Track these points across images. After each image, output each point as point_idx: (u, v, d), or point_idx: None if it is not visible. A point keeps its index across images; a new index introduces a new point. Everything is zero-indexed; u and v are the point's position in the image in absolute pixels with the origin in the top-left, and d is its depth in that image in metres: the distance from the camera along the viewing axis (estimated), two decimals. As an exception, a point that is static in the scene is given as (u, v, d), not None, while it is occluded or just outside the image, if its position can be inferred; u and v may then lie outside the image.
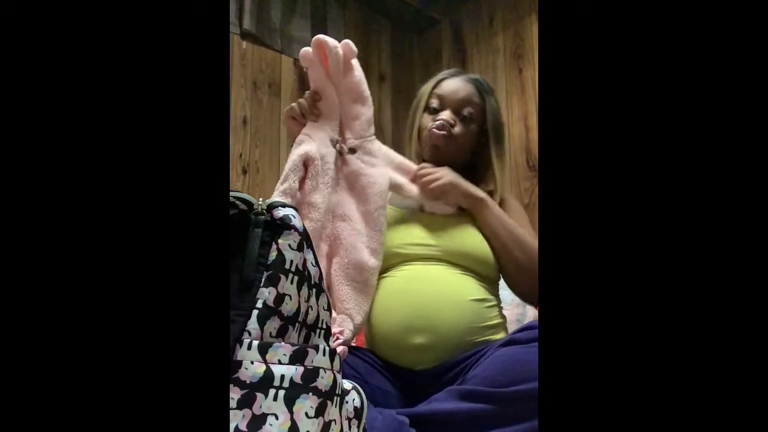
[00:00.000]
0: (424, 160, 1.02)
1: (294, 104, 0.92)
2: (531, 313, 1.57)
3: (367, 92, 0.93)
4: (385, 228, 0.89)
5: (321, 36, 0.87)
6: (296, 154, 0.85)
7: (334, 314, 0.81)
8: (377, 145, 0.95)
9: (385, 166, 0.94)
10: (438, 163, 0.99)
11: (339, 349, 0.67)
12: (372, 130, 0.95)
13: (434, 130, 0.98)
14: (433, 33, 2.36)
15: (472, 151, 1.04)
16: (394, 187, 0.95)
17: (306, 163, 0.85)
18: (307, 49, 0.88)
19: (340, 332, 0.78)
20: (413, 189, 0.95)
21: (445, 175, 0.94)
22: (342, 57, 0.87)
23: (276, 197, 0.81)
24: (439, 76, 1.06)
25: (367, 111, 0.93)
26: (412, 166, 0.98)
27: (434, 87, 1.04)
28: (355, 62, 0.91)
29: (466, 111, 1.00)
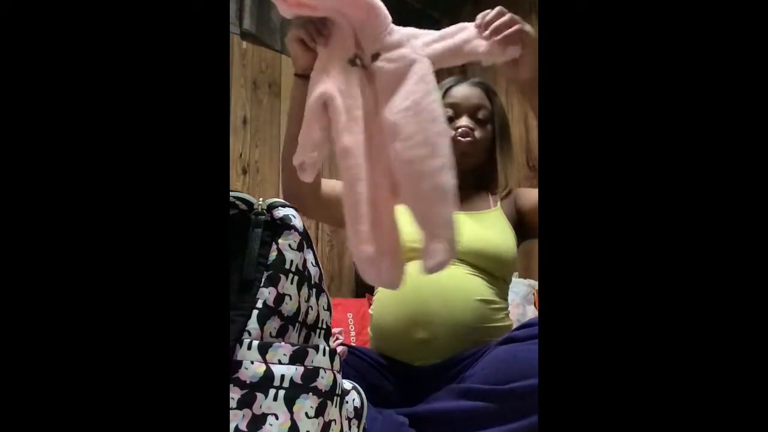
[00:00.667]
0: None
1: (299, 30, 0.78)
2: (531, 314, 1.57)
3: None
4: (440, 112, 0.70)
5: None
6: (312, 99, 0.70)
7: (427, 245, 0.66)
8: (398, 34, 0.75)
9: (420, 45, 0.74)
10: (465, 170, 0.98)
11: (339, 349, 0.67)
12: (387, 20, 0.75)
13: (460, 138, 0.99)
14: (433, 33, 2.36)
15: (486, 153, 1.06)
16: (444, 58, 0.74)
17: (326, 104, 0.70)
18: (279, 4, 0.73)
19: (340, 332, 0.78)
20: (475, 46, 0.74)
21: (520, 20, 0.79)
22: None
23: (299, 155, 0.69)
24: (445, 84, 1.07)
25: (366, 3, 0.73)
26: (454, 28, 0.78)
27: (444, 96, 1.05)
28: None
29: (481, 114, 1.03)
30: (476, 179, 1.05)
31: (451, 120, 1.02)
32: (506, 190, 1.04)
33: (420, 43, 0.74)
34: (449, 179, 0.67)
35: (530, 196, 1.02)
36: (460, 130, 1.00)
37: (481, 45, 0.74)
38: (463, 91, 1.04)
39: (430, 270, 0.64)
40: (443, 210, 0.67)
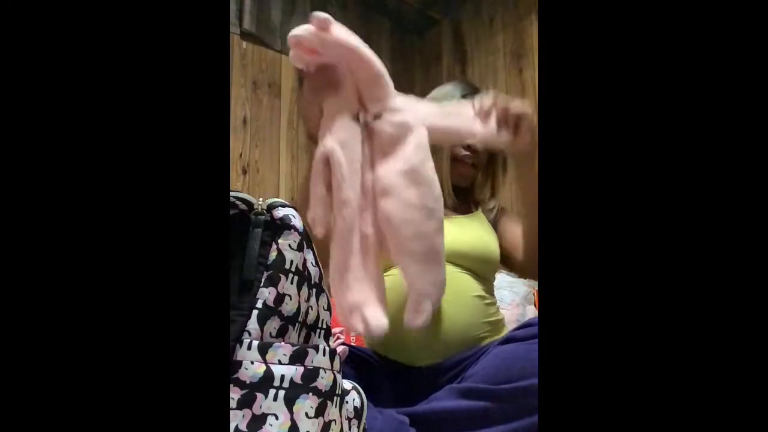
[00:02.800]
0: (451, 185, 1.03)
1: (310, 85, 0.79)
2: (531, 314, 1.57)
3: (363, 49, 0.75)
4: (435, 179, 0.74)
5: (290, 36, 0.74)
6: (316, 158, 0.74)
7: (411, 302, 0.70)
8: (400, 100, 0.79)
9: (420, 115, 0.78)
10: (467, 183, 1.03)
11: (339, 349, 0.67)
12: (390, 86, 0.78)
13: (464, 161, 1.00)
14: (433, 33, 2.36)
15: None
16: (441, 135, 0.78)
17: (327, 160, 0.73)
18: (293, 53, 0.77)
19: (340, 332, 0.78)
20: (472, 129, 0.77)
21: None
22: (318, 33, 0.72)
23: (309, 213, 0.71)
24: (458, 91, 1.05)
25: (373, 67, 0.75)
26: (462, 107, 0.80)
27: None
28: (336, 28, 0.74)
29: None
30: (462, 189, 1.06)
31: None
32: (495, 210, 1.05)
33: (421, 114, 0.77)
34: (441, 241, 0.71)
35: (511, 234, 1.01)
36: (465, 153, 1.00)
37: (478, 129, 0.77)
38: None
39: (416, 326, 0.69)
40: (434, 271, 0.71)
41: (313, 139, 0.78)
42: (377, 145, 0.76)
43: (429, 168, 0.74)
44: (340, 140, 0.73)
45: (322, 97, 0.77)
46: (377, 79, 0.77)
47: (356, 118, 0.76)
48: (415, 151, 0.74)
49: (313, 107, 0.77)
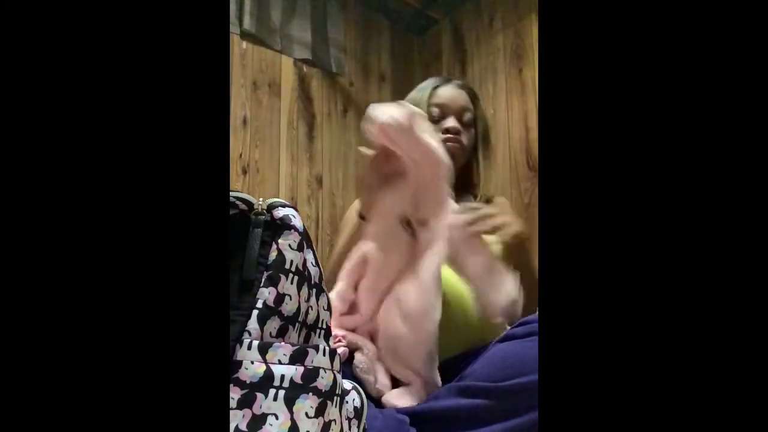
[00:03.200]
0: None
1: (370, 171, 0.81)
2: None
3: (440, 151, 0.75)
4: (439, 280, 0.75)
5: (377, 118, 0.73)
6: (355, 255, 0.77)
7: (399, 391, 0.75)
8: (448, 208, 0.77)
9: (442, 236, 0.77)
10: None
11: (340, 350, 0.67)
12: (447, 194, 0.78)
13: (449, 143, 1.00)
14: (433, 33, 2.36)
15: (468, 157, 1.08)
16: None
17: (365, 262, 0.77)
18: (372, 131, 0.76)
19: (342, 336, 0.78)
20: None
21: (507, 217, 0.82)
22: (404, 127, 0.73)
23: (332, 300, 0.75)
24: (431, 83, 1.08)
25: (440, 172, 0.75)
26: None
27: (430, 96, 1.05)
28: (421, 123, 0.75)
29: (466, 117, 1.04)
30: (460, 182, 1.05)
31: (436, 121, 1.03)
32: (485, 198, 1.06)
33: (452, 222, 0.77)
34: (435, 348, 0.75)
35: (500, 200, 1.07)
36: (446, 135, 1.01)
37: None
38: (450, 93, 1.05)
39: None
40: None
41: (362, 216, 0.82)
42: (419, 252, 0.77)
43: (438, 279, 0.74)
44: (384, 245, 0.77)
45: (383, 185, 0.79)
46: (440, 186, 0.77)
47: (403, 222, 0.78)
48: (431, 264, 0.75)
49: (372, 191, 0.80)
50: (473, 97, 1.08)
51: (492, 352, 0.71)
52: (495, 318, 0.76)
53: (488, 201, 1.07)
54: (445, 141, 1.00)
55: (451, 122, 1.02)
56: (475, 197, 1.08)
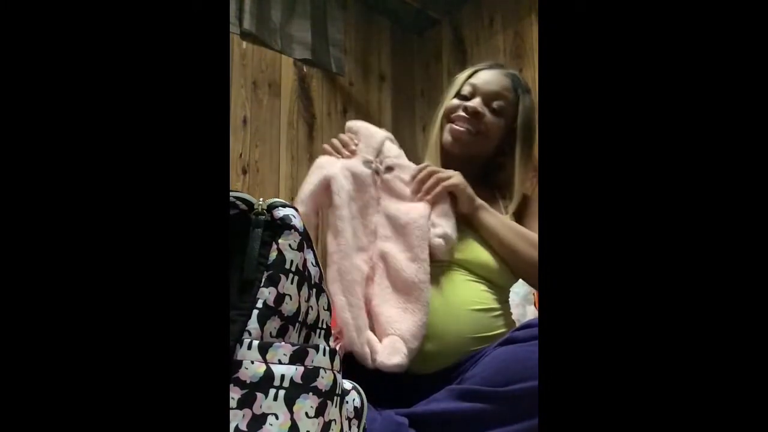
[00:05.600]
0: (443, 149, 0.99)
1: (331, 142, 0.92)
2: (531, 314, 1.57)
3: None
4: (427, 236, 0.84)
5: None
6: (317, 177, 0.83)
7: (388, 340, 0.77)
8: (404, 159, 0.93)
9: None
10: (459, 155, 0.97)
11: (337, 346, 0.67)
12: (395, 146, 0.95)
13: (456, 125, 0.96)
14: (433, 33, 2.36)
15: (497, 148, 1.00)
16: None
17: (328, 187, 0.83)
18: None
19: (339, 332, 0.78)
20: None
21: (454, 174, 0.89)
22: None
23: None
24: (477, 66, 1.03)
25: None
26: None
27: (470, 76, 1.01)
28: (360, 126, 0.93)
29: (496, 103, 0.97)
30: (483, 179, 1.00)
31: (466, 99, 0.98)
32: (519, 198, 0.97)
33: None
34: (427, 289, 0.80)
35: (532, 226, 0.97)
36: (461, 113, 0.97)
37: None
38: (489, 76, 1.00)
39: (390, 366, 0.75)
40: (416, 316, 0.78)
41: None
42: (385, 192, 0.88)
43: (426, 225, 0.84)
44: (354, 171, 0.85)
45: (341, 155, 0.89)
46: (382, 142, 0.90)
47: (368, 164, 0.87)
48: (418, 208, 0.85)
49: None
50: (519, 88, 0.99)
51: (493, 355, 0.71)
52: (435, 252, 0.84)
53: (523, 204, 0.98)
54: (453, 120, 0.97)
55: (473, 103, 0.96)
56: (504, 198, 1.00)
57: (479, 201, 0.91)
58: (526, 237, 0.88)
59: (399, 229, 0.84)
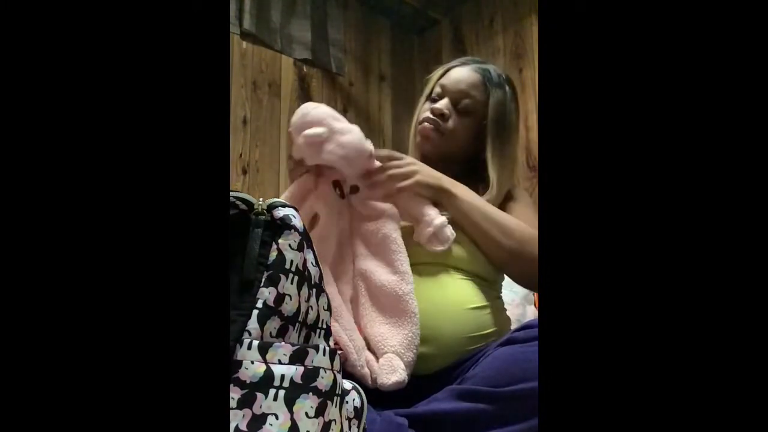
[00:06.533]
0: (419, 150, 1.01)
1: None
2: (531, 314, 1.57)
3: (349, 141, 0.83)
4: (403, 247, 0.83)
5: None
6: (296, 187, 0.85)
7: (384, 359, 0.76)
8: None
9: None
10: (432, 155, 0.98)
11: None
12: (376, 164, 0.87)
13: (424, 124, 0.98)
14: (433, 33, 2.36)
15: (471, 146, 1.00)
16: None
17: (315, 218, 0.83)
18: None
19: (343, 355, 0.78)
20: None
21: (410, 171, 0.87)
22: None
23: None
24: (450, 63, 1.04)
25: (364, 157, 0.83)
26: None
27: (441, 75, 1.02)
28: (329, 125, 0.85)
29: (462, 103, 0.97)
30: (467, 177, 0.98)
31: (435, 101, 1.00)
32: (502, 194, 0.97)
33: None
34: (414, 302, 0.78)
35: (520, 201, 0.98)
36: (424, 115, 0.98)
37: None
38: (458, 75, 1.00)
39: (388, 385, 0.74)
40: (407, 330, 0.77)
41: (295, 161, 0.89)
42: (355, 214, 0.87)
43: (399, 238, 0.83)
44: (327, 205, 0.84)
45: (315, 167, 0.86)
46: (361, 156, 0.84)
47: (334, 186, 0.85)
48: (389, 223, 0.84)
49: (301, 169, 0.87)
50: (489, 83, 0.99)
51: (493, 356, 0.71)
52: (432, 244, 0.84)
53: (507, 198, 0.99)
54: (421, 122, 0.98)
55: (442, 104, 0.97)
56: (486, 185, 0.99)
57: (446, 185, 0.89)
58: (502, 226, 0.86)
59: (374, 247, 0.84)
